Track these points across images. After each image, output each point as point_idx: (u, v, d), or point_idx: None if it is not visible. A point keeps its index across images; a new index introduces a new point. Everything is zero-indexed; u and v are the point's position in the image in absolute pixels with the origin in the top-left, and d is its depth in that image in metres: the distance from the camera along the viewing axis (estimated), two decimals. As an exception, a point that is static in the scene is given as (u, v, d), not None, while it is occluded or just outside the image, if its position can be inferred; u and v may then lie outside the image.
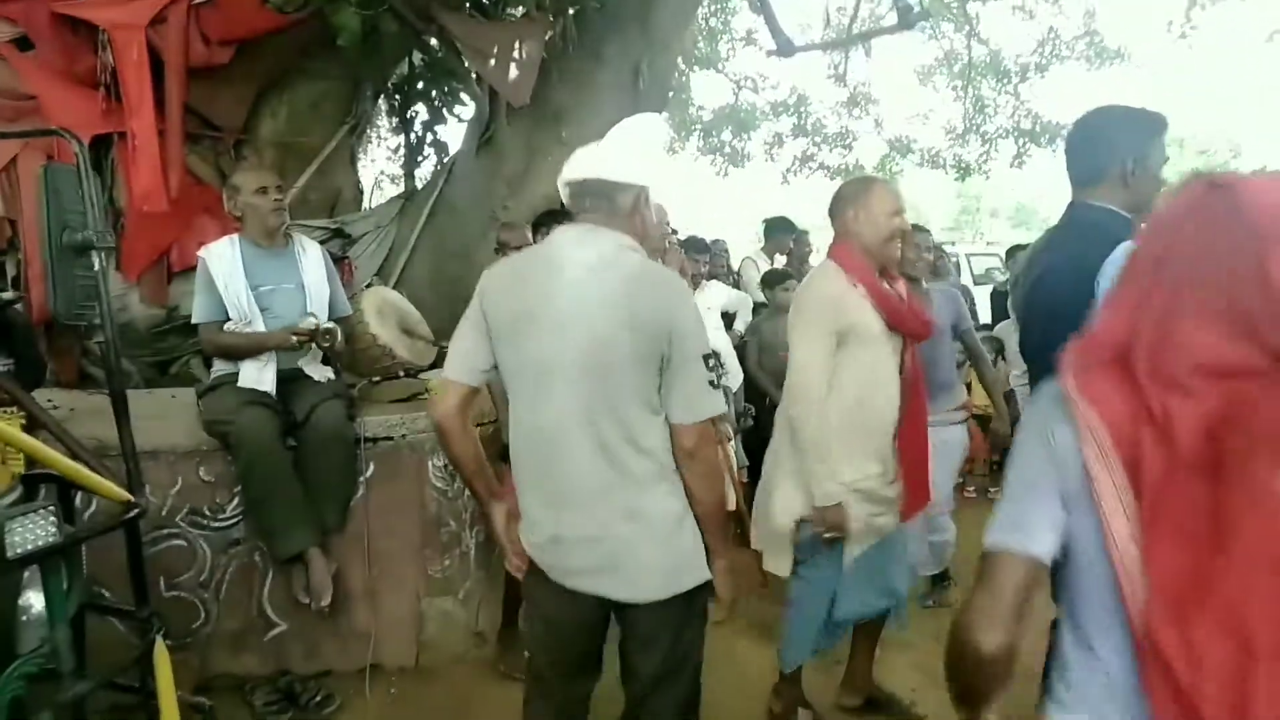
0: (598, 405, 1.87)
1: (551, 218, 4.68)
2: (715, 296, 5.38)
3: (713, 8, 12.68)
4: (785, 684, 3.12)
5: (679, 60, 9.18)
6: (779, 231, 6.68)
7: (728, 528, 2.01)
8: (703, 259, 5.39)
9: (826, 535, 2.72)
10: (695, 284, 5.02)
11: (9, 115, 4.41)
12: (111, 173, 4.60)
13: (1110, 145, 2.17)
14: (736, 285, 6.28)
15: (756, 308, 5.73)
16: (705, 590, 2.03)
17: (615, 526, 1.90)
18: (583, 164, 1.99)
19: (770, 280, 5.52)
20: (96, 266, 1.93)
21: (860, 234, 2.81)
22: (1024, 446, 1.30)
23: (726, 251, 6.79)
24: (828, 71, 13.63)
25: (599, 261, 1.89)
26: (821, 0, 12.50)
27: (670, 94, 8.24)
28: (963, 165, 14.50)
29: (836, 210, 2.88)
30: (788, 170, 14.87)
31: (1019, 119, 14.07)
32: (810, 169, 14.79)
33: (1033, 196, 44.30)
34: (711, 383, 1.89)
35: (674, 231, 5.51)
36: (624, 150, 2.02)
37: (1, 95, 4.46)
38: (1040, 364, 2.26)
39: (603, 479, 1.89)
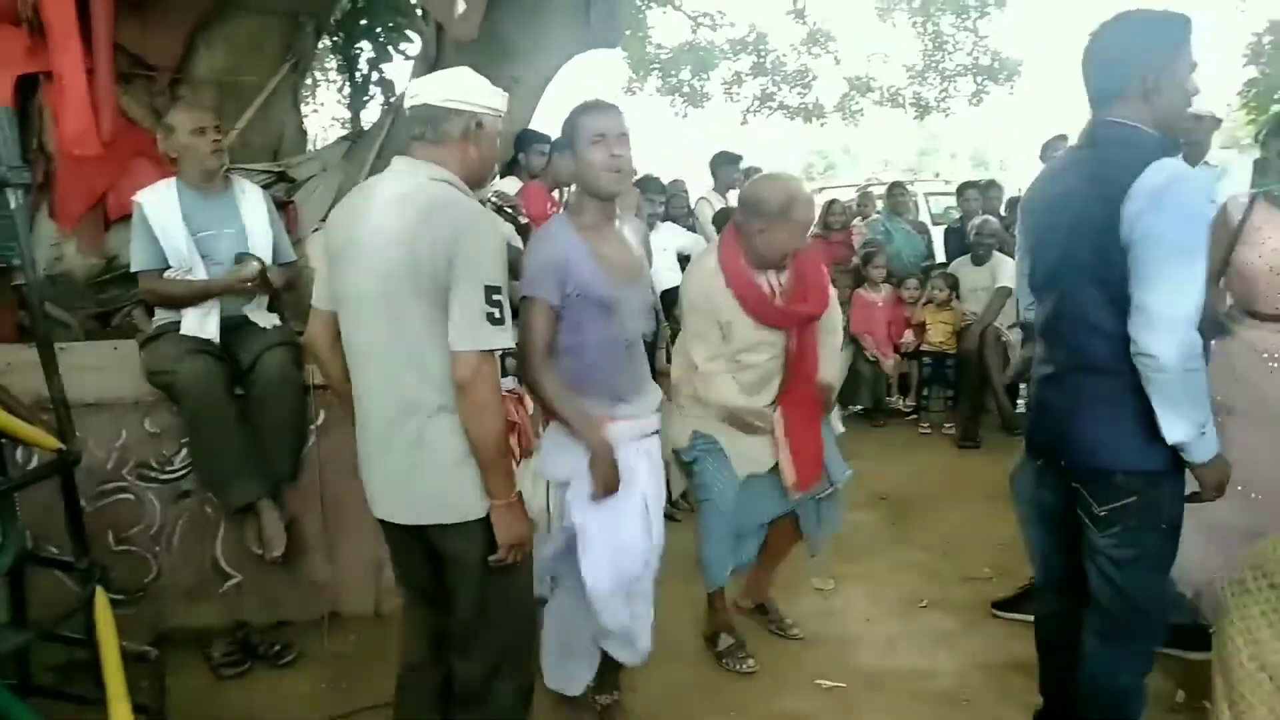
0: (389, 334, 1.94)
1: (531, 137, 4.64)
2: (669, 238, 5.33)
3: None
4: (712, 607, 3.25)
5: (634, -4, 8.96)
6: (724, 165, 6.64)
7: (504, 468, 1.99)
8: (659, 199, 5.33)
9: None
10: (651, 224, 4.96)
11: (-76, 55, 4.18)
12: (40, 115, 4.39)
13: (1128, 57, 2.03)
14: (693, 227, 6.23)
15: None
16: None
17: (401, 452, 1.99)
18: (416, 90, 2.02)
19: (721, 220, 5.48)
20: (13, 204, 1.84)
21: (754, 245, 2.87)
22: None
23: (685, 192, 6.73)
24: (787, 7, 13.46)
25: (405, 193, 1.95)
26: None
27: (625, 30, 8.05)
28: (922, 104, 14.48)
29: (747, 213, 2.87)
30: (747, 110, 14.74)
31: (978, 56, 14.05)
32: (770, 109, 14.69)
33: (990, 138, 44.51)
34: (493, 317, 1.87)
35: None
36: (455, 76, 2.04)
37: (-85, 34, 4.22)
38: (1054, 287, 2.19)
39: (394, 404, 1.98)
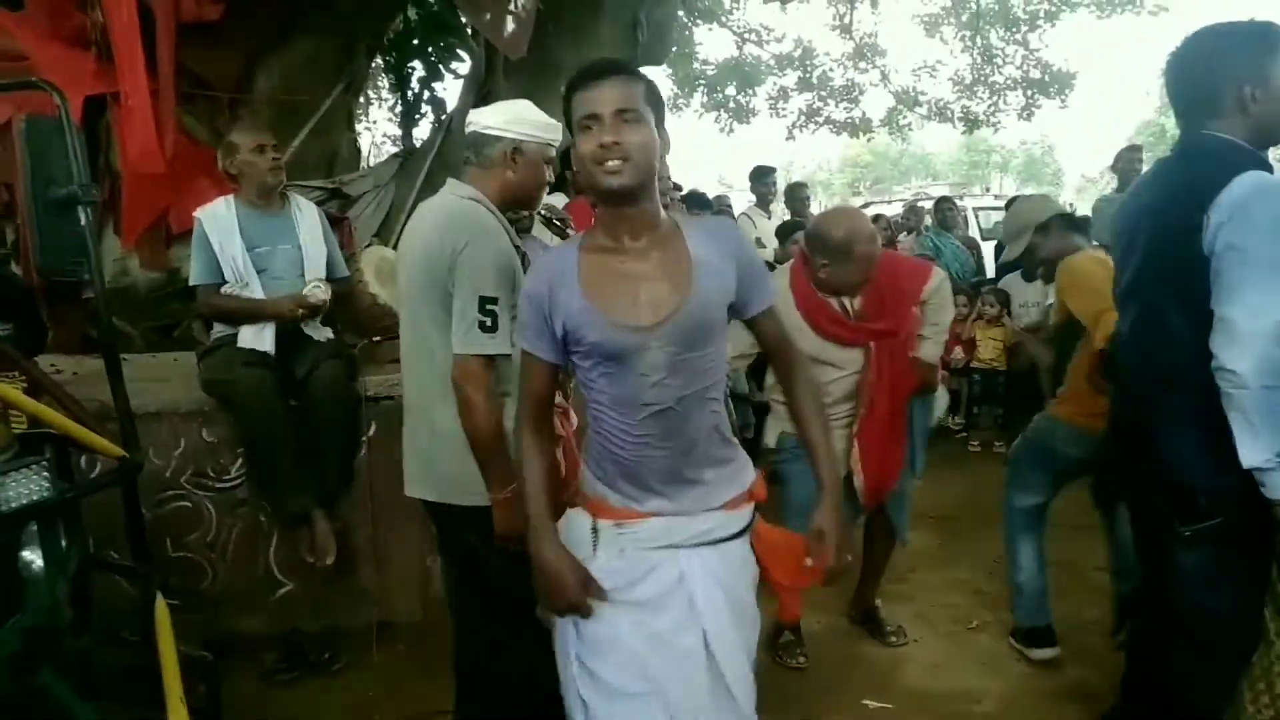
0: (414, 333, 2.17)
1: None
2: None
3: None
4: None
5: (680, 13, 9.03)
6: (756, 181, 6.68)
7: (496, 465, 2.04)
8: (701, 213, 5.35)
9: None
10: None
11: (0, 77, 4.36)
12: (106, 135, 4.55)
13: (1220, 71, 1.98)
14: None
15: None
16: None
17: (423, 437, 2.19)
18: (472, 118, 2.22)
19: (782, 233, 5.48)
20: (83, 221, 1.91)
21: (819, 278, 2.92)
22: None
23: (730, 208, 6.75)
24: (833, 23, 13.43)
25: (438, 209, 2.16)
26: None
27: (672, 47, 8.11)
28: (971, 117, 14.32)
29: (812, 248, 2.93)
30: (793, 125, 14.71)
31: (1028, 69, 13.87)
32: (816, 124, 14.65)
33: (1042, 150, 43.92)
34: (484, 325, 1.99)
35: (677, 188, 5.46)
36: (505, 106, 2.23)
37: (-9, 56, 4.41)
38: (1134, 299, 2.16)
39: (418, 395, 2.21)
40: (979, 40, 13.67)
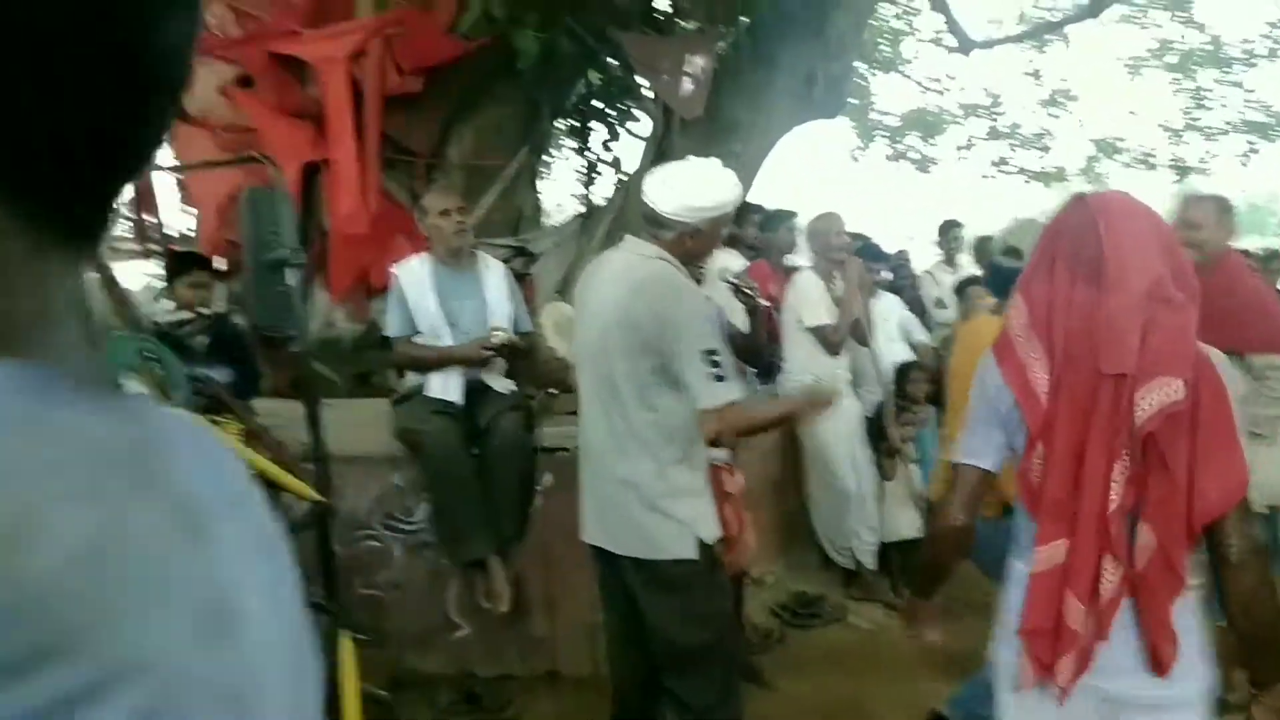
0: (603, 386, 2.22)
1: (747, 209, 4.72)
2: (890, 309, 5.19)
3: (898, 9, 12.30)
4: None
5: (859, 64, 8.94)
6: (942, 236, 6.54)
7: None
8: (878, 267, 5.20)
9: None
10: (872, 292, 4.84)
11: (234, 147, 4.86)
12: (319, 197, 4.96)
13: None
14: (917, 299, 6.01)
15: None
16: (691, 568, 2.15)
17: (606, 487, 2.26)
18: (647, 192, 2.25)
19: (960, 288, 5.25)
20: (291, 282, 2.07)
21: None
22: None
23: (908, 263, 6.53)
24: (1024, 68, 12.91)
25: (624, 267, 2.24)
26: (1015, -5, 11.85)
27: (848, 99, 8.03)
28: (1180, 165, 13.27)
29: None
30: (982, 175, 14.18)
31: (1245, 111, 12.76)
32: (1006, 173, 14.05)
33: (1266, 197, 40.12)
34: (716, 375, 2.06)
35: (852, 239, 5.32)
36: (675, 188, 2.21)
37: (228, 130, 4.93)
38: None
39: (603, 445, 2.26)
40: (1188, 82, 12.74)
